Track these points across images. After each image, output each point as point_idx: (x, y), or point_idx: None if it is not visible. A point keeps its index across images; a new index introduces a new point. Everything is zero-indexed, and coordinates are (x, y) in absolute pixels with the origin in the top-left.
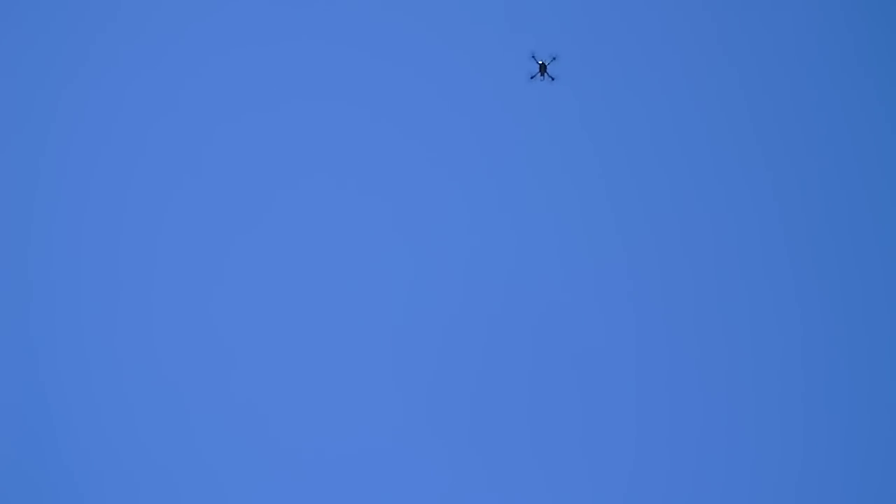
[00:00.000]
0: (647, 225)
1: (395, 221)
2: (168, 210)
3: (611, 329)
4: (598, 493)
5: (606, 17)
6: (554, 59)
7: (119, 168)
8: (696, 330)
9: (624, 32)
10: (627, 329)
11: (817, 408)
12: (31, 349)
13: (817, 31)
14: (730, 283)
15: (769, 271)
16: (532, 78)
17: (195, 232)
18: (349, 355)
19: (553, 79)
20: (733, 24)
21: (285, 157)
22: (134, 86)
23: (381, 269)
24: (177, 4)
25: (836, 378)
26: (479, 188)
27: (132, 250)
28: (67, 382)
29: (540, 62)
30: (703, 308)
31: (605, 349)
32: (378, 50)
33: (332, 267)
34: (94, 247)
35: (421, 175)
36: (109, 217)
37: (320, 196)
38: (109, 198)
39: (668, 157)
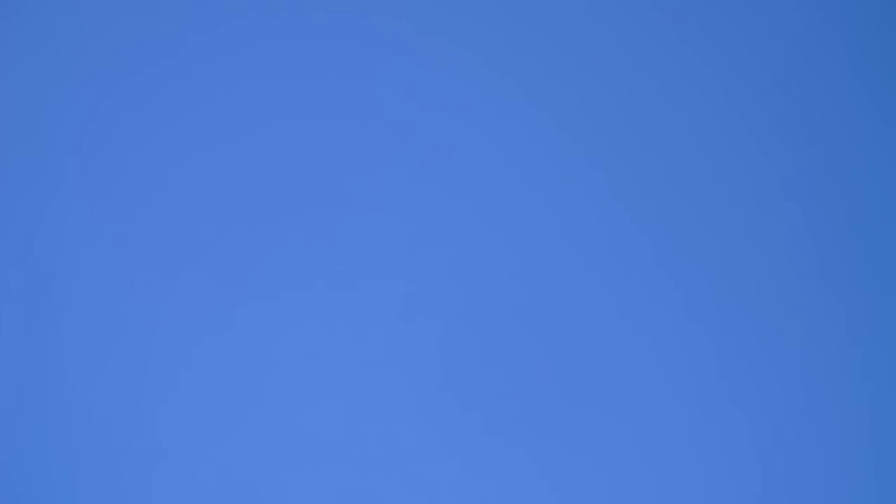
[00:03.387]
0: (659, 219)
1: (400, 215)
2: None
3: (620, 326)
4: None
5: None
6: None
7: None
8: (700, 328)
9: (622, 32)
10: (639, 326)
11: (820, 408)
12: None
13: (817, 30)
14: (736, 281)
15: (777, 271)
16: None
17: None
18: (351, 357)
19: None
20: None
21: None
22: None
23: (387, 270)
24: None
25: (838, 378)
26: (483, 188)
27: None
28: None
29: None
30: (709, 305)
31: (611, 347)
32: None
33: (335, 269)
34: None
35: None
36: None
37: (322, 191)
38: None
39: (674, 156)
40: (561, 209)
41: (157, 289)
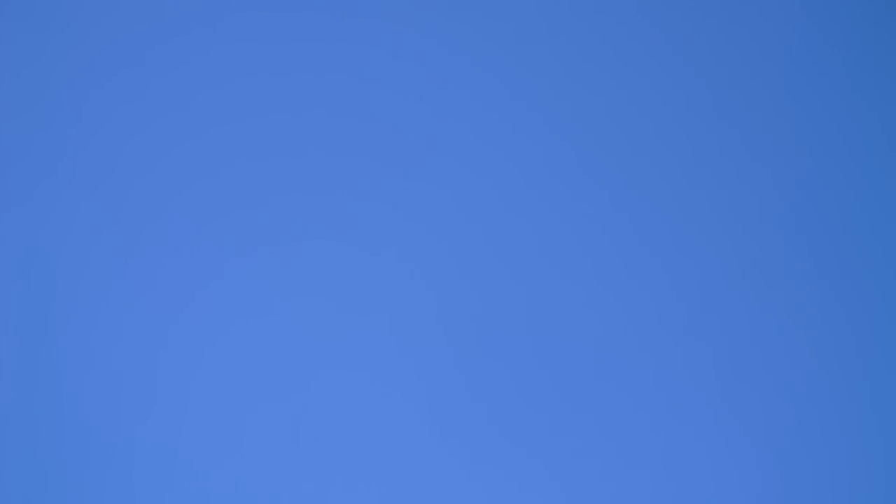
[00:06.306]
0: (660, 219)
1: (401, 215)
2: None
3: (618, 326)
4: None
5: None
6: None
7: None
8: (703, 328)
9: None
10: (641, 326)
11: (823, 409)
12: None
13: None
14: (735, 281)
15: (775, 271)
16: None
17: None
18: (353, 357)
19: None
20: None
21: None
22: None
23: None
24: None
25: (838, 378)
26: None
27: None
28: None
29: None
30: (712, 305)
31: (611, 346)
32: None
33: (337, 268)
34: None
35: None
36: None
37: (319, 193)
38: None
39: (674, 156)
40: (562, 209)
41: (157, 286)
